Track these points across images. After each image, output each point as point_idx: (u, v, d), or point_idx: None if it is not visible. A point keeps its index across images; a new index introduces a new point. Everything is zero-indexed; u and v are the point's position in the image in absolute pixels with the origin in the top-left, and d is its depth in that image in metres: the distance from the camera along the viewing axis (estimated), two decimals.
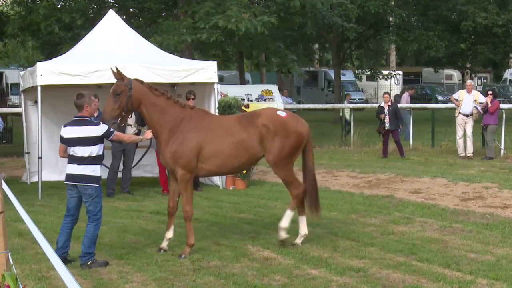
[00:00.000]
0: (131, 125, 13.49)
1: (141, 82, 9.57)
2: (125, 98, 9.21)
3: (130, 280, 8.22)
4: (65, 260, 8.85)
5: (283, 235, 9.77)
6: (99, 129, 8.97)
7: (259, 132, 9.58)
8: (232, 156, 9.58)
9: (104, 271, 8.64)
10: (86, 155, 8.88)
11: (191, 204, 9.49)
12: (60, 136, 9.16)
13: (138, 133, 14.63)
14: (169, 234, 9.70)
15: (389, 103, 20.75)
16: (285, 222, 9.82)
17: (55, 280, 8.07)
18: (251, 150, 9.62)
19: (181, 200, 9.63)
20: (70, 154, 8.98)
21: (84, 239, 9.01)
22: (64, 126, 9.16)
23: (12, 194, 5.66)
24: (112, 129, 9.07)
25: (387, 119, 20.42)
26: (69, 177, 9.01)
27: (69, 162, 9.02)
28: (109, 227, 11.30)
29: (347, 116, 26.52)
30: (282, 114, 9.91)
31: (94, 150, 8.93)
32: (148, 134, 9.69)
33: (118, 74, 9.32)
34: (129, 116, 9.88)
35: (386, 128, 20.47)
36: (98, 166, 9.03)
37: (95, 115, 13.22)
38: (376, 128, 21.17)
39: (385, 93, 21.99)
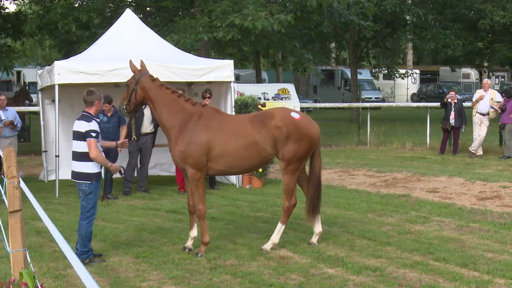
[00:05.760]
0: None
1: (153, 79, 9.61)
2: (130, 90, 9.63)
3: (146, 278, 8.25)
4: None
5: (268, 247, 9.57)
6: (85, 126, 8.82)
7: (271, 134, 9.43)
8: (242, 157, 9.47)
9: (121, 269, 8.67)
10: (78, 150, 8.85)
11: (203, 202, 9.47)
12: None
13: (155, 130, 14.70)
14: (193, 232, 9.68)
15: (455, 101, 21.05)
16: (276, 237, 9.69)
17: (72, 278, 8.11)
18: (262, 153, 9.50)
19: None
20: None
21: (78, 238, 8.97)
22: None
23: (30, 192, 5.68)
24: (93, 133, 8.77)
25: (452, 115, 20.78)
26: (71, 174, 9.09)
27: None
28: (126, 225, 11.35)
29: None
30: (296, 116, 9.72)
31: (82, 146, 8.83)
32: (121, 142, 9.91)
33: (132, 68, 9.75)
34: (136, 112, 10.01)
35: (451, 125, 20.83)
36: (90, 163, 8.84)
37: (109, 114, 13.41)
38: (441, 125, 21.44)
39: (451, 91, 22.33)
